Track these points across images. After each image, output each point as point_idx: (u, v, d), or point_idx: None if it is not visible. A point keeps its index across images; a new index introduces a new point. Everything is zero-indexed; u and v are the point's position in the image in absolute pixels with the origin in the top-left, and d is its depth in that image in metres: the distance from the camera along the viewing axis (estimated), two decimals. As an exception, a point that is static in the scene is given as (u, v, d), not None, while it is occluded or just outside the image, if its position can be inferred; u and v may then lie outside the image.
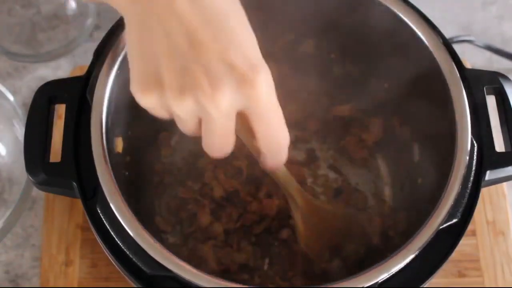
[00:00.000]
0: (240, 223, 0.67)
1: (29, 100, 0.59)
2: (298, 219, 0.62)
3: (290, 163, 0.68)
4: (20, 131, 0.72)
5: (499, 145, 0.56)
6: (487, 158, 0.55)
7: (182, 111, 0.45)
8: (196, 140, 0.72)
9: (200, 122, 0.46)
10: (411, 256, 0.50)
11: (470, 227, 0.54)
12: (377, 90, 0.68)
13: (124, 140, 0.60)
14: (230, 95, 0.44)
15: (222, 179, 0.69)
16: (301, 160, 0.72)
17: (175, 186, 0.70)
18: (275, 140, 0.49)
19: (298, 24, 0.66)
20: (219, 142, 0.47)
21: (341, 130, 0.72)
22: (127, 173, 0.61)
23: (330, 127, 0.72)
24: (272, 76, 0.76)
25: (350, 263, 0.64)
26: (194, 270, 0.50)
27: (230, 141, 0.48)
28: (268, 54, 0.69)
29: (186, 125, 0.47)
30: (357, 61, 0.67)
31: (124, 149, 0.60)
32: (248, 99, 0.45)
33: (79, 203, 0.56)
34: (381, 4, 0.60)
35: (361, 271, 0.50)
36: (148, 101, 0.46)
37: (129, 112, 0.61)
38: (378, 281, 0.50)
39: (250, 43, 0.46)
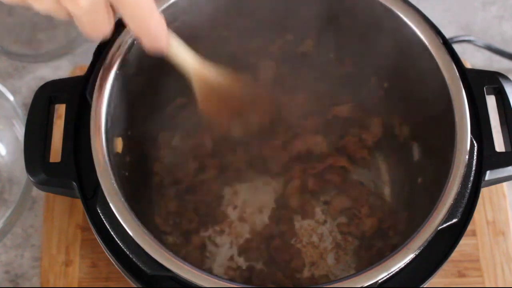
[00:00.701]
0: None
1: (29, 100, 0.59)
2: (197, 94, 0.62)
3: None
4: (20, 131, 0.72)
5: (499, 145, 0.56)
6: (487, 158, 0.55)
7: (44, 9, 0.46)
8: (195, 141, 0.73)
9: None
10: (411, 256, 0.50)
11: (470, 227, 0.54)
12: (377, 89, 0.68)
13: (124, 140, 0.60)
14: None
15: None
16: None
17: (174, 186, 0.70)
18: (144, 27, 0.50)
19: (298, 24, 0.66)
20: (91, 29, 0.49)
21: (341, 130, 0.72)
22: (127, 173, 0.61)
23: (330, 127, 0.72)
24: (272, 76, 0.75)
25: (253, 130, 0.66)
26: (194, 270, 0.50)
27: (102, 26, 0.49)
28: (268, 54, 0.70)
29: (55, 16, 0.47)
30: (356, 60, 0.67)
31: (124, 149, 0.60)
32: None
33: (79, 203, 0.56)
34: (381, 4, 0.60)
35: (360, 271, 0.50)
36: None
37: (129, 112, 0.61)
38: (378, 281, 0.50)
39: None
